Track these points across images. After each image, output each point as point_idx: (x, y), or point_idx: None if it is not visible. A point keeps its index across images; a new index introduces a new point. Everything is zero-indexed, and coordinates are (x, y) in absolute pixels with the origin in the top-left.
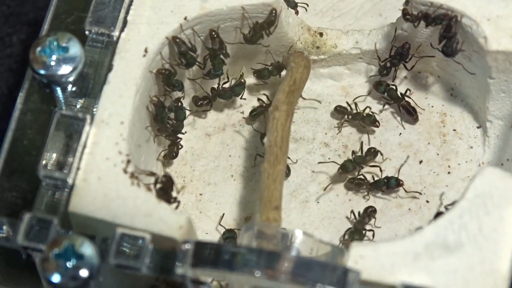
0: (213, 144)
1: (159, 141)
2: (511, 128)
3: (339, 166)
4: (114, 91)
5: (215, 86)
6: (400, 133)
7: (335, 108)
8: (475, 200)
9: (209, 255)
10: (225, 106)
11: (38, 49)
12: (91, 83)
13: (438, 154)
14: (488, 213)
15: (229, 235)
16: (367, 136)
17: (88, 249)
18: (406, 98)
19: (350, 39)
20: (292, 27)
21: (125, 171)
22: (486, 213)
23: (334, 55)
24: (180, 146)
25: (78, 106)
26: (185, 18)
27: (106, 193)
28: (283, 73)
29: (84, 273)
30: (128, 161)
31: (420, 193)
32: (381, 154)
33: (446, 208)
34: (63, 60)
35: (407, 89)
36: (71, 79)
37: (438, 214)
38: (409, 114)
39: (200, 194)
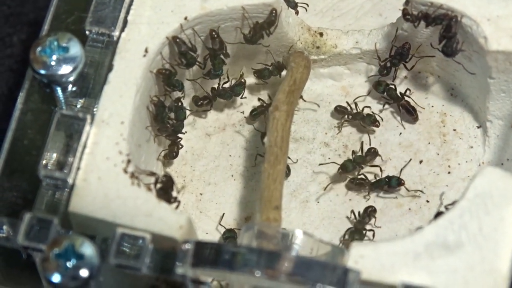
0: (213, 144)
1: (159, 141)
2: (511, 128)
3: (339, 166)
4: (114, 91)
5: (215, 86)
6: (400, 133)
7: (335, 108)
8: (475, 200)
9: (209, 255)
10: (225, 106)
11: (39, 49)
12: (91, 83)
13: (438, 154)
14: (488, 213)
15: (229, 235)
16: (368, 136)
17: (88, 249)
18: (406, 98)
19: (350, 39)
20: (292, 27)
21: (125, 171)
22: (486, 213)
23: (334, 55)
24: (180, 146)
25: (78, 106)
26: (186, 18)
27: (106, 193)
28: (284, 73)
29: (84, 273)
30: (129, 161)
31: (422, 191)
32: (381, 157)
33: (446, 208)
34: (63, 60)
35: (407, 89)
36: (71, 79)
37: (438, 214)
38: (409, 113)
39: (200, 194)
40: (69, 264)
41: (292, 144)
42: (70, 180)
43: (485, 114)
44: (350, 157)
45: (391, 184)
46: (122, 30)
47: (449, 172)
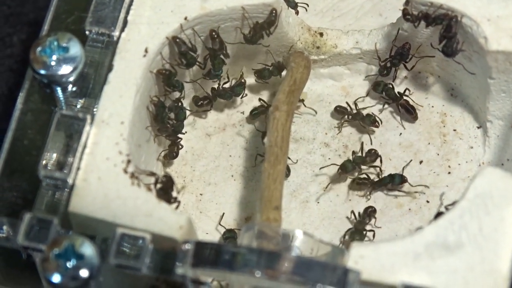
0: (214, 144)
1: (159, 141)
2: (511, 128)
3: (338, 167)
4: (114, 91)
5: (216, 86)
6: (401, 133)
7: (335, 108)
8: (475, 200)
9: (209, 255)
10: (225, 106)
11: (39, 49)
12: (91, 83)
13: (438, 154)
14: (489, 213)
15: (230, 235)
16: (368, 136)
17: (88, 249)
18: (405, 97)
19: (350, 39)
20: (292, 27)
21: (125, 171)
22: (486, 213)
23: (334, 55)
24: (180, 146)
25: (78, 106)
26: (185, 18)
27: (106, 193)
28: (284, 73)
29: (84, 273)
30: (129, 161)
31: (427, 186)
32: (381, 158)
33: (447, 208)
34: (63, 60)
35: (406, 89)
36: (71, 79)
37: (439, 214)
38: (408, 112)
39: (201, 194)
40: (69, 264)
41: (292, 144)
42: (70, 180)
43: (485, 114)
44: (350, 158)
45: (394, 182)
46: (122, 30)
47: (449, 173)
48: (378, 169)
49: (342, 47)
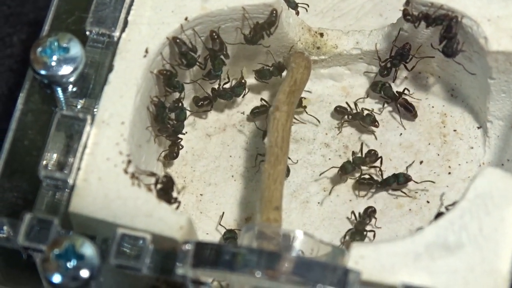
0: (214, 144)
1: (159, 141)
2: (511, 128)
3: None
4: (114, 92)
5: (216, 86)
6: (401, 134)
7: (335, 109)
8: (475, 201)
9: (209, 255)
10: (225, 107)
11: (39, 49)
12: (91, 84)
13: (438, 155)
14: (489, 213)
15: (230, 235)
16: (368, 136)
17: (88, 250)
18: (403, 96)
19: (350, 40)
20: (293, 27)
21: (125, 171)
22: (486, 213)
23: (335, 55)
24: (180, 147)
25: (78, 107)
26: (186, 19)
27: (106, 193)
28: (284, 73)
29: (84, 273)
30: (129, 162)
31: (433, 182)
32: (381, 161)
33: (447, 209)
34: (63, 60)
35: (405, 88)
36: (71, 79)
37: (439, 215)
38: (408, 110)
39: (201, 195)
40: (70, 264)
41: (293, 145)
42: (70, 181)
43: (486, 114)
44: (350, 158)
45: (399, 181)
46: (123, 30)
47: (449, 173)
48: (378, 169)
49: (342, 47)
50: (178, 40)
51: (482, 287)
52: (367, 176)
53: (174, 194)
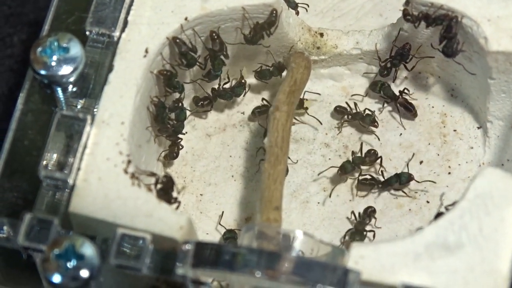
0: (214, 144)
1: (159, 141)
2: (511, 128)
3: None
4: (114, 92)
5: (216, 86)
6: (401, 134)
7: (335, 109)
8: (475, 201)
9: (209, 255)
10: (225, 107)
11: (39, 49)
12: (91, 84)
13: (438, 155)
14: (489, 213)
15: (230, 235)
16: (368, 136)
17: (88, 250)
18: (402, 95)
19: (350, 40)
20: (293, 27)
21: (125, 171)
22: (486, 213)
23: (335, 55)
24: (180, 147)
25: (78, 107)
26: (186, 19)
27: (106, 193)
28: (284, 73)
29: (84, 273)
30: (129, 162)
31: (435, 182)
32: (381, 161)
33: (447, 209)
34: (63, 60)
35: (404, 88)
36: (71, 79)
37: (439, 215)
38: (407, 110)
39: (201, 195)
40: (70, 264)
41: (293, 145)
42: (70, 181)
43: (486, 114)
44: (350, 158)
45: (401, 181)
46: (123, 30)
47: (449, 173)
48: (378, 169)
49: (342, 47)
50: (178, 40)
51: (482, 287)
52: (368, 177)
53: (174, 194)
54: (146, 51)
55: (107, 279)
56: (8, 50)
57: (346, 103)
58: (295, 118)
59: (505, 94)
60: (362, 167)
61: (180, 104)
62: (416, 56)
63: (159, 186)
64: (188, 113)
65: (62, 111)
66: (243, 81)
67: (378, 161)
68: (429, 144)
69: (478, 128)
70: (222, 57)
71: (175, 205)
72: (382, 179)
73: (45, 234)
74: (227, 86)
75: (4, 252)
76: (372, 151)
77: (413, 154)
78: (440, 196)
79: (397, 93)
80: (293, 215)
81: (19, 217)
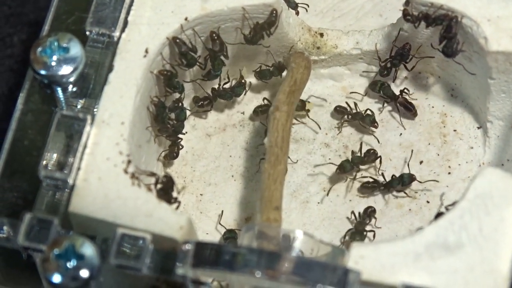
0: (214, 144)
1: (159, 141)
2: (511, 128)
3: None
4: (114, 92)
5: (216, 86)
6: (401, 134)
7: (335, 108)
8: (475, 201)
9: (209, 255)
10: (225, 107)
11: (39, 49)
12: (91, 84)
13: (438, 155)
14: (489, 213)
15: (230, 235)
16: (368, 136)
17: (88, 250)
18: (402, 95)
19: (350, 40)
20: (293, 27)
21: (125, 171)
22: (486, 213)
23: (335, 55)
24: (180, 147)
25: (78, 107)
26: (186, 19)
27: (106, 193)
28: (284, 73)
29: (84, 273)
30: (129, 162)
31: (437, 181)
32: (380, 160)
33: (447, 209)
34: (63, 60)
35: (404, 88)
36: (71, 79)
37: (439, 215)
38: (407, 109)
39: (201, 195)
40: (70, 264)
41: (293, 145)
42: (70, 181)
43: (486, 114)
44: (349, 158)
45: (404, 182)
46: (123, 30)
47: (449, 173)
48: (378, 170)
49: (342, 47)
50: (178, 40)
51: (482, 287)
52: (371, 180)
53: (174, 194)
54: (146, 51)
55: (107, 279)
56: (8, 50)
57: (346, 103)
58: (295, 119)
59: (505, 94)
60: (361, 166)
61: (180, 104)
62: (416, 56)
63: (159, 186)
64: (188, 113)
65: (62, 111)
66: (243, 81)
67: (378, 161)
68: (429, 144)
69: (478, 128)
70: (222, 57)
71: (175, 205)
72: (383, 181)
73: (45, 234)
74: (227, 86)
75: (4, 252)
76: (372, 151)
77: (412, 151)
78: (440, 196)
79: (397, 93)
80: (293, 215)
81: (19, 217)
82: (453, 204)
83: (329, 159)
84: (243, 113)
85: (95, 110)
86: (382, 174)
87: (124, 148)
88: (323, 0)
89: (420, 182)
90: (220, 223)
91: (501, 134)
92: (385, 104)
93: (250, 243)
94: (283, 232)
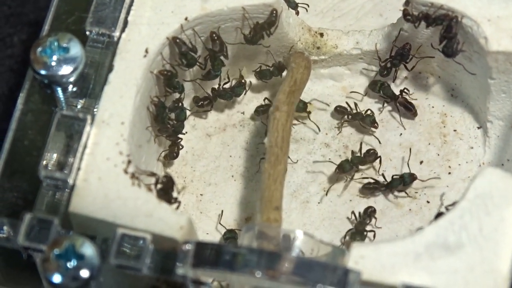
0: (214, 144)
1: (159, 141)
2: (511, 128)
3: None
4: (114, 92)
5: (216, 86)
6: (401, 134)
7: (335, 109)
8: (475, 201)
9: (209, 255)
10: (225, 107)
11: (39, 49)
12: (91, 84)
13: (438, 155)
14: (489, 213)
15: (230, 235)
16: (368, 136)
17: (88, 250)
18: (402, 95)
19: (350, 40)
20: (293, 27)
21: (125, 171)
22: (486, 213)
23: (335, 55)
24: (180, 147)
25: (78, 107)
26: (186, 19)
27: (106, 193)
28: (284, 73)
29: (84, 273)
30: (129, 162)
31: (439, 177)
32: (380, 160)
33: (447, 209)
34: (63, 60)
35: (404, 88)
36: (71, 79)
37: (439, 215)
38: (407, 109)
39: (201, 195)
40: (70, 264)
41: (293, 145)
42: (70, 181)
43: (486, 114)
44: (349, 158)
45: (405, 182)
46: (123, 30)
47: (449, 173)
48: (378, 170)
49: (342, 47)
50: (178, 40)
51: (482, 287)
52: (372, 181)
53: (174, 194)
54: (146, 51)
55: (107, 279)
56: (8, 50)
57: (347, 103)
58: (296, 119)
59: (505, 94)
60: (361, 167)
61: (180, 104)
62: (416, 56)
63: (159, 186)
64: (188, 113)
65: (62, 111)
66: (243, 81)
67: (378, 161)
68: (429, 144)
69: (478, 128)
70: (222, 57)
71: (175, 205)
72: (384, 182)
73: (45, 234)
74: (227, 86)
75: (4, 252)
76: (372, 151)
77: (410, 150)
78: (440, 196)
79: (397, 93)
80: (293, 215)
81: (19, 217)
82: (453, 204)
83: (329, 159)
84: (243, 113)
85: (95, 110)
86: (383, 175)
87: (124, 148)
88: (323, 0)
89: (422, 180)
90: (220, 223)
91: (501, 134)
92: (385, 104)
93: (250, 243)
94: (283, 232)
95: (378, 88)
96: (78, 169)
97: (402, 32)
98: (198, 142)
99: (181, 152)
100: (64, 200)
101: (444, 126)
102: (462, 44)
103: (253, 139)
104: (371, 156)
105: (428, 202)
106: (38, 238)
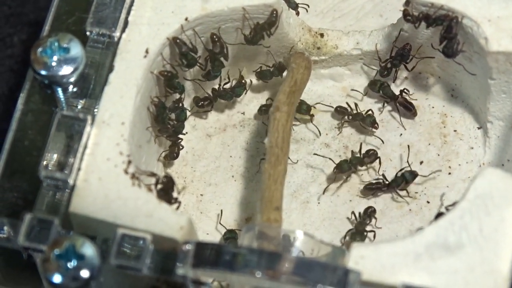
0: (214, 144)
1: (160, 141)
2: None
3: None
4: (115, 92)
5: (216, 86)
6: (401, 134)
7: (335, 109)
8: (475, 201)
9: (210, 255)
10: (226, 107)
11: (39, 49)
12: (92, 84)
13: (438, 155)
14: (489, 213)
15: (230, 235)
16: (369, 137)
17: (89, 250)
18: (402, 94)
19: (351, 40)
20: (293, 28)
21: (126, 171)
22: (486, 213)
23: (335, 55)
24: (181, 147)
25: (79, 107)
26: (186, 19)
27: (107, 193)
28: (284, 73)
29: (85, 273)
30: (129, 162)
31: (440, 170)
32: (380, 161)
33: (447, 209)
34: (64, 60)
35: (404, 88)
36: (72, 79)
37: (439, 215)
38: (407, 109)
39: (201, 195)
40: (70, 264)
41: (293, 145)
42: (70, 181)
43: (486, 115)
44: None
45: (407, 180)
46: (123, 31)
47: (449, 173)
48: (378, 170)
49: (342, 47)
50: (178, 41)
51: (482, 287)
52: (373, 181)
53: (175, 194)
54: (147, 51)
55: (107, 279)
56: (8, 50)
57: (347, 103)
58: (297, 120)
59: (506, 95)
60: (360, 167)
61: (180, 105)
62: (416, 57)
63: (159, 186)
64: (188, 113)
65: (63, 111)
66: (243, 81)
67: (377, 161)
68: (429, 144)
69: (478, 128)
70: (222, 58)
71: (175, 206)
72: (386, 181)
73: (46, 234)
74: (227, 86)
75: (4, 252)
76: (371, 151)
77: (408, 146)
78: (441, 196)
79: (397, 93)
80: (294, 215)
81: (19, 217)
82: (453, 204)
83: (330, 159)
84: (243, 113)
85: (95, 110)
86: (383, 175)
87: (124, 148)
88: (323, 1)
89: (425, 176)
90: (220, 223)
91: (501, 135)
92: (385, 104)
93: (250, 243)
94: (283, 232)
95: (378, 88)
96: (79, 169)
97: (402, 33)
98: (198, 142)
99: (181, 152)
100: (64, 200)
101: (444, 127)
102: (462, 45)
103: (253, 139)
104: (371, 156)
105: (428, 202)
106: (38, 238)
